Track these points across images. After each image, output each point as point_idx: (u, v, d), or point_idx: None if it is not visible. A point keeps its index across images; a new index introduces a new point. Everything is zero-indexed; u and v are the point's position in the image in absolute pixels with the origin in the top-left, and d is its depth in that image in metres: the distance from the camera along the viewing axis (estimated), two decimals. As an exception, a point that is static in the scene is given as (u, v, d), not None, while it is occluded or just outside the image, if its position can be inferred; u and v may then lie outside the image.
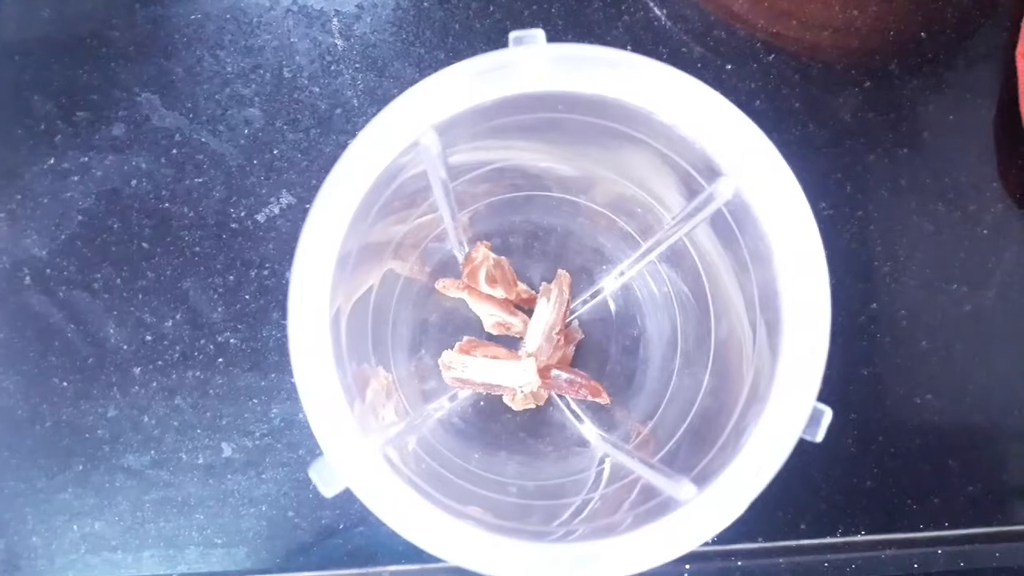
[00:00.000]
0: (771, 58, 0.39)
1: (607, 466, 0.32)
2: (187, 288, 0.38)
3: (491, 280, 0.34)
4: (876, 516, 0.38)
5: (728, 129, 0.22)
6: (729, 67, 0.39)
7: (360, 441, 0.21)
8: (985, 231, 0.39)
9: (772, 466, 0.21)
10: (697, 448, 0.25)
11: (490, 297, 0.34)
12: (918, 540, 0.38)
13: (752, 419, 0.22)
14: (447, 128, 0.23)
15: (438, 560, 0.37)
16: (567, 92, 0.22)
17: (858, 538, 0.38)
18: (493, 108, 0.23)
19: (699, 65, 0.39)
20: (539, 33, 0.22)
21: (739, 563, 0.37)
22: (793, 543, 0.38)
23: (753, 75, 0.39)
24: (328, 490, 0.21)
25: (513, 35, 0.21)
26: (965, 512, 0.38)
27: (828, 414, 0.21)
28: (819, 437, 0.21)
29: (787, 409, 0.21)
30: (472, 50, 0.39)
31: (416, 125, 0.22)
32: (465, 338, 0.35)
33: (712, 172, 0.23)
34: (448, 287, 0.35)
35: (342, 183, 0.21)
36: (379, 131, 0.22)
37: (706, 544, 0.37)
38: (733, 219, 0.23)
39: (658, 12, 0.40)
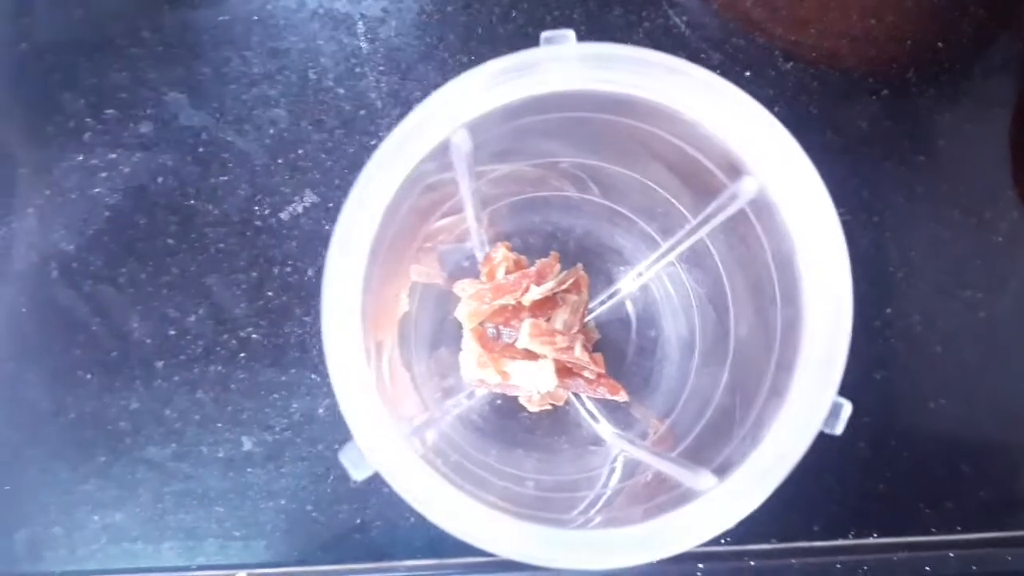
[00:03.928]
0: (789, 66, 0.40)
1: (620, 462, 0.33)
2: (211, 284, 0.39)
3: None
4: (889, 519, 0.38)
5: (753, 128, 0.22)
6: (747, 74, 0.40)
7: (389, 427, 0.22)
8: (1000, 238, 0.39)
9: (793, 456, 0.21)
10: (716, 442, 0.25)
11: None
12: (930, 543, 0.38)
13: (772, 413, 0.22)
14: (477, 126, 0.23)
15: (454, 555, 0.38)
16: (595, 91, 0.22)
17: (870, 540, 0.38)
18: (522, 107, 0.23)
19: (718, 72, 0.39)
20: (570, 33, 0.22)
21: (752, 563, 0.37)
22: (806, 544, 0.38)
23: (771, 82, 0.40)
24: (358, 473, 0.22)
25: (544, 35, 0.22)
26: (977, 516, 0.38)
27: (847, 407, 0.22)
28: (839, 430, 0.22)
29: (808, 402, 0.22)
30: (495, 54, 0.39)
31: (448, 123, 0.22)
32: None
33: (735, 171, 0.23)
34: (466, 290, 0.36)
35: (378, 176, 0.22)
36: (412, 128, 0.23)
37: (719, 544, 0.38)
38: (756, 217, 0.24)
39: (677, 20, 0.40)
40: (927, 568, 0.38)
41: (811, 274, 0.22)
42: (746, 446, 0.22)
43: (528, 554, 0.21)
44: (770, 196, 0.22)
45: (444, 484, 0.21)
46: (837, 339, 0.22)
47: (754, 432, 0.23)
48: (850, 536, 0.38)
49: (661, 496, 0.25)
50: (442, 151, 0.24)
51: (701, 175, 0.25)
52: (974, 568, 0.38)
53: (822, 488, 0.38)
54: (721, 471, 0.23)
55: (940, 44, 0.40)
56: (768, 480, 0.21)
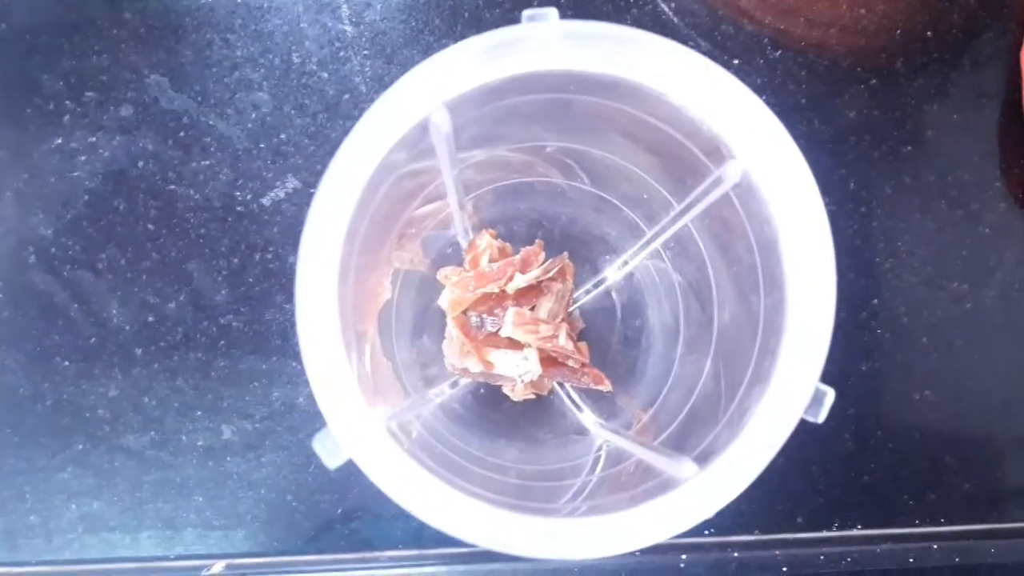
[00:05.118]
0: (778, 54, 0.39)
1: (604, 452, 0.32)
2: (191, 270, 0.38)
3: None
4: (872, 511, 0.38)
5: (738, 110, 0.22)
6: (736, 62, 0.39)
7: (364, 413, 0.21)
8: (987, 230, 0.39)
9: (775, 444, 0.21)
10: (698, 430, 0.25)
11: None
12: (914, 535, 0.38)
13: (755, 400, 0.22)
14: (457, 107, 0.23)
15: (436, 545, 0.37)
16: (578, 71, 0.22)
17: (854, 532, 0.38)
18: (504, 87, 0.23)
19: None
20: (552, 11, 0.22)
21: (736, 554, 0.37)
22: (790, 536, 0.38)
23: (759, 71, 0.39)
24: (331, 461, 0.21)
25: (526, 13, 0.22)
26: (961, 509, 0.38)
27: (831, 395, 0.22)
28: (821, 418, 0.22)
29: (790, 389, 0.21)
30: None
31: (427, 101, 0.22)
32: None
33: (719, 155, 0.23)
34: (450, 277, 0.35)
35: (352, 158, 0.21)
36: (388, 108, 0.22)
37: (703, 535, 0.37)
38: (740, 202, 0.23)
39: (666, 7, 0.40)
40: (911, 559, 0.38)
41: (794, 259, 0.21)
42: (728, 434, 0.22)
43: (502, 543, 0.21)
44: (754, 180, 0.22)
45: (420, 472, 0.21)
46: (820, 325, 0.21)
47: (736, 419, 0.22)
48: (834, 527, 0.38)
49: (645, 484, 0.25)
50: (421, 133, 0.23)
51: (685, 159, 0.25)
52: (957, 560, 0.38)
53: (806, 479, 0.38)
54: (702, 459, 0.22)
55: (930, 34, 0.40)
56: (749, 468, 0.21)
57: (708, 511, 0.21)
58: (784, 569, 0.37)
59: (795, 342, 0.21)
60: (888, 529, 0.38)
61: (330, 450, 0.21)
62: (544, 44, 0.21)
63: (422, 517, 0.21)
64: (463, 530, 0.21)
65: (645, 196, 0.30)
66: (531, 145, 0.30)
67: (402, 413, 0.26)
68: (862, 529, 0.38)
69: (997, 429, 0.39)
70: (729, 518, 0.38)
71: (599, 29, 0.21)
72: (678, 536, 0.21)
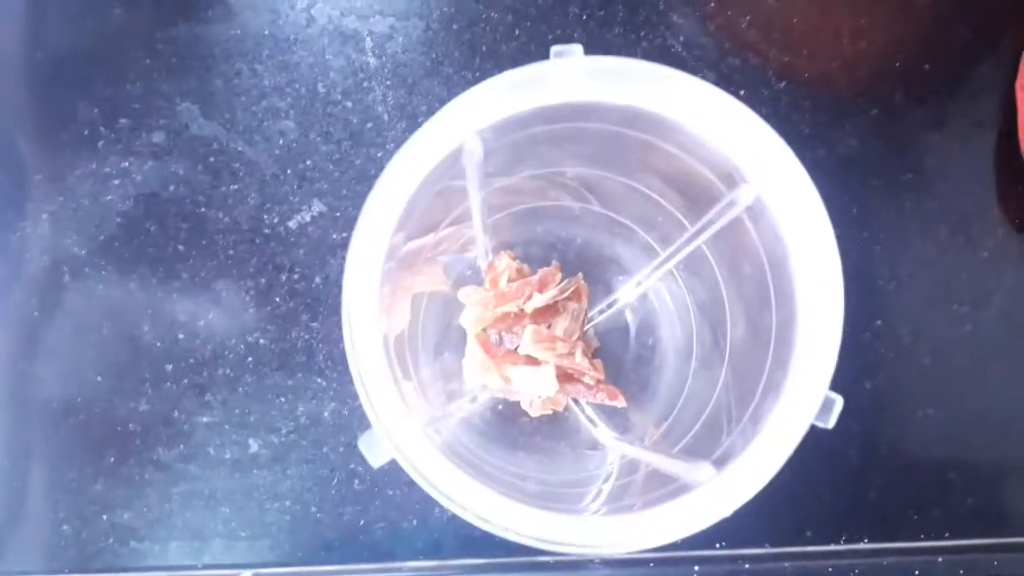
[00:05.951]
0: (782, 86, 0.41)
1: (617, 465, 0.33)
2: (220, 290, 0.40)
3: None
4: (878, 525, 0.39)
5: (751, 138, 0.23)
6: (742, 93, 0.41)
7: (405, 416, 0.23)
8: (986, 254, 0.41)
9: (789, 447, 0.22)
10: (712, 439, 0.26)
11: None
12: (919, 549, 0.39)
13: (768, 408, 0.23)
14: (489, 135, 0.24)
15: (455, 556, 0.38)
16: (601, 103, 0.24)
17: (861, 546, 0.39)
18: (531, 117, 0.24)
19: (714, 90, 0.41)
20: (577, 47, 0.23)
21: (746, 566, 0.38)
22: (798, 549, 0.39)
23: (764, 101, 0.41)
24: (375, 460, 0.23)
25: (554, 49, 0.23)
26: (965, 523, 0.39)
27: (839, 402, 0.23)
28: (831, 423, 0.23)
29: (802, 396, 0.23)
30: (499, 71, 0.40)
31: (463, 130, 0.24)
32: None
33: (733, 180, 0.25)
34: (470, 296, 0.37)
35: (399, 173, 0.23)
36: (430, 134, 0.24)
37: (715, 548, 0.39)
38: (751, 223, 0.25)
39: (674, 40, 0.42)
40: (916, 572, 0.39)
41: (804, 275, 0.23)
42: (743, 439, 0.24)
43: (542, 538, 0.22)
44: (766, 202, 0.23)
45: (460, 473, 0.22)
46: (830, 336, 0.23)
47: (751, 426, 0.24)
48: (841, 541, 0.39)
49: (660, 491, 0.26)
50: (454, 160, 0.25)
51: (700, 184, 0.26)
52: (961, 572, 0.39)
53: (814, 495, 0.39)
54: (718, 463, 0.24)
55: (928, 66, 0.42)
56: (765, 470, 0.22)
57: (727, 509, 0.23)
58: (793, 581, 0.39)
59: (805, 353, 0.23)
60: (894, 543, 0.39)
61: (374, 451, 0.23)
62: (571, 78, 0.23)
63: (459, 511, 0.22)
64: (503, 527, 0.22)
65: (660, 219, 0.31)
66: (552, 170, 0.32)
67: (434, 421, 0.28)
68: (869, 543, 0.39)
69: (999, 445, 0.40)
70: (740, 531, 0.39)
71: (622, 64, 0.23)
72: (691, 547, 0.23)
